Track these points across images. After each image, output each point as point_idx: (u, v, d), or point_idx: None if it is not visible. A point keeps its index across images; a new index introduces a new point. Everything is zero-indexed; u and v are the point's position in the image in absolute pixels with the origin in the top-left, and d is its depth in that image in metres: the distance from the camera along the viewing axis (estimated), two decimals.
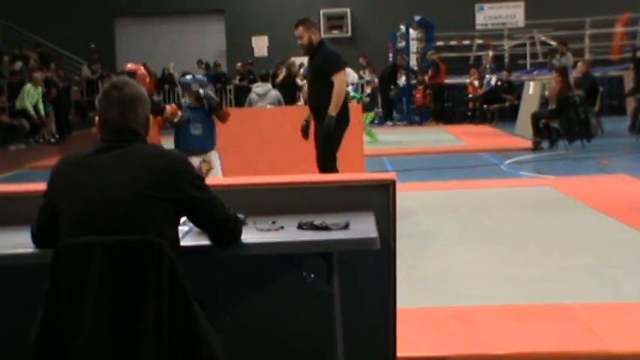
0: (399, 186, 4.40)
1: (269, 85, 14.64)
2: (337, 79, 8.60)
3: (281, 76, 20.48)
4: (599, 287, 6.39)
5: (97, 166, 3.44)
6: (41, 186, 3.64)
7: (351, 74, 27.43)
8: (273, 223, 3.98)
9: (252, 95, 14.13)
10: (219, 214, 3.57)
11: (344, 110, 8.72)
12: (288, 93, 20.20)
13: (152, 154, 3.48)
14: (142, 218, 3.34)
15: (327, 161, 8.63)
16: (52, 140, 22.28)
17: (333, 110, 8.57)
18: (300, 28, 8.78)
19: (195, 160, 8.56)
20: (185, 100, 9.29)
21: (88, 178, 3.41)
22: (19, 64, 22.87)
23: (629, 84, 22.32)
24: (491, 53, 26.75)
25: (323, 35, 30.68)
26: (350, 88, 26.96)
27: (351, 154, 11.54)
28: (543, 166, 13.88)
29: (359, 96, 20.80)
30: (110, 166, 3.42)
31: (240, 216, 3.80)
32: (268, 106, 13.43)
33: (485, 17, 29.25)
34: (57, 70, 25.00)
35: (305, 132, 9.02)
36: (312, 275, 3.92)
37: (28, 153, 19.94)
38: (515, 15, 29.07)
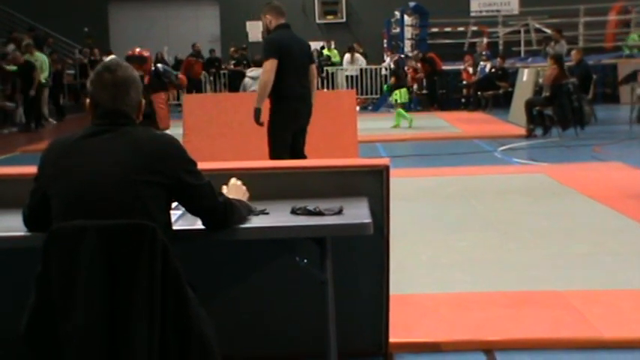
0: (392, 172, 4.40)
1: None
2: (263, 68, 8.20)
3: None
4: (592, 274, 6.39)
5: (87, 149, 3.40)
6: (33, 169, 3.61)
7: (360, 59, 27.52)
8: (264, 209, 3.97)
9: (247, 80, 14.20)
10: (209, 200, 3.54)
11: (281, 102, 8.27)
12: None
13: (143, 138, 3.44)
14: (132, 202, 3.31)
15: (272, 154, 8.25)
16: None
17: (256, 101, 8.24)
18: (260, 16, 8.55)
19: None
20: None
21: (79, 161, 3.38)
22: (11, 47, 22.78)
23: (622, 72, 22.34)
24: (485, 40, 26.77)
25: (317, 21, 30.86)
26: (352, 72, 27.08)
27: (345, 140, 11.56)
28: (537, 154, 13.88)
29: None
30: (101, 150, 3.39)
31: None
32: None
33: (479, 4, 29.23)
34: (51, 54, 24.91)
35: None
36: (306, 260, 3.91)
37: (20, 137, 19.89)
38: (509, 2, 29.04)
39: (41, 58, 22.00)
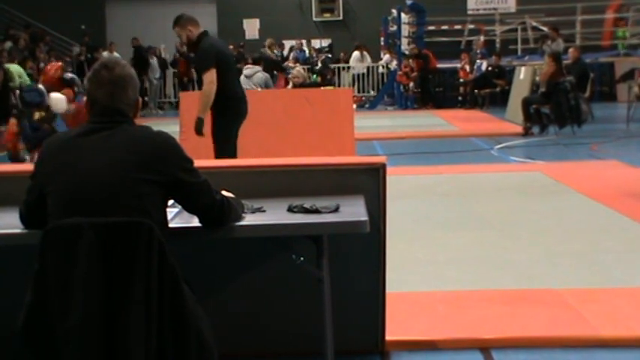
0: (389, 170, 4.39)
1: (258, 68, 14.82)
2: (205, 78, 8.34)
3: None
4: (588, 272, 6.39)
5: (84, 147, 3.41)
6: (30, 167, 3.61)
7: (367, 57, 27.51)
8: (261, 207, 3.97)
9: (241, 77, 14.29)
10: (206, 198, 3.54)
11: (230, 103, 8.47)
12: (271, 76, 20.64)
13: (140, 136, 3.44)
14: (128, 200, 3.32)
15: (221, 155, 8.37)
16: None
17: (200, 111, 8.41)
18: (177, 29, 8.64)
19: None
20: None
21: (76, 159, 3.38)
22: (8, 44, 22.74)
23: (619, 70, 22.35)
24: (482, 38, 26.75)
25: (314, 19, 30.89)
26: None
27: (342, 138, 11.55)
28: (533, 152, 13.90)
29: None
30: (98, 148, 3.39)
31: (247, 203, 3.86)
32: (253, 87, 13.55)
33: (476, 2, 29.27)
34: (48, 52, 24.87)
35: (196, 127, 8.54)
36: (302, 258, 3.91)
37: None
38: (506, 0, 29.06)
39: (12, 69, 21.70)
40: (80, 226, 3.22)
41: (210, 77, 8.25)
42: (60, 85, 9.74)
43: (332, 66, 27.25)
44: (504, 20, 28.36)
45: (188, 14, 8.88)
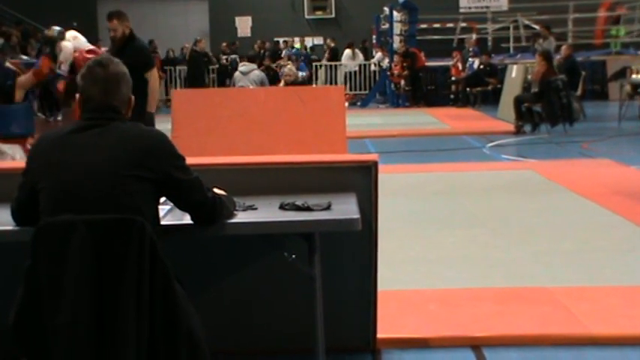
0: (381, 168, 4.40)
1: (254, 65, 14.79)
2: (151, 76, 8.78)
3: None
4: (579, 271, 6.41)
5: (76, 144, 3.40)
6: (21, 163, 3.61)
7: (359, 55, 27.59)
8: (252, 205, 3.97)
9: (237, 73, 14.30)
10: (198, 195, 3.54)
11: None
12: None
13: (132, 133, 3.44)
14: (120, 197, 3.31)
15: None
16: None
17: (151, 107, 8.84)
18: (115, 22, 8.82)
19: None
20: None
21: (68, 156, 3.38)
22: (0, 41, 22.69)
23: (611, 69, 22.38)
24: (474, 36, 26.76)
25: (307, 16, 30.97)
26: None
27: (334, 136, 11.53)
28: (525, 150, 13.91)
29: None
30: (89, 145, 3.39)
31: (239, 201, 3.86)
32: (250, 86, 13.53)
33: (468, 0, 29.25)
34: (40, 49, 24.79)
35: None
36: (294, 256, 3.91)
37: None
38: None
39: None
40: (72, 223, 3.21)
41: (156, 74, 8.97)
42: None
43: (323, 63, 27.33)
44: (496, 18, 28.38)
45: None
